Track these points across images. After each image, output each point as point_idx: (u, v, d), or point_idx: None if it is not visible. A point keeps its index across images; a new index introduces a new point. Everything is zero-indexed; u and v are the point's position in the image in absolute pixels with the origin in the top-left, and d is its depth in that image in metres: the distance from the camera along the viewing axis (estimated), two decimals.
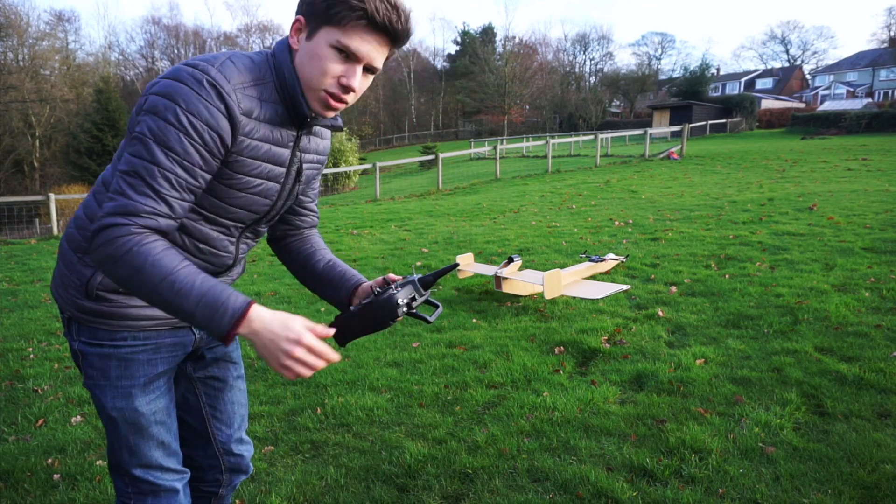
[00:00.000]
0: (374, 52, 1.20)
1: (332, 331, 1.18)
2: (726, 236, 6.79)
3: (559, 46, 66.30)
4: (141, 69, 58.64)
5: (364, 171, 21.66)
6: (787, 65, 65.70)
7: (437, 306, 1.43)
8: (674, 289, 4.93)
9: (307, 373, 1.12)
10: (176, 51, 59.54)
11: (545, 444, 2.65)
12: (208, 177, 1.19)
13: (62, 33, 48.33)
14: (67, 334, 1.37)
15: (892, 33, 56.58)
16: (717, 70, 64.78)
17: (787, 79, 60.47)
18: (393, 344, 4.01)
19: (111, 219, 1.09)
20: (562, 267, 5.47)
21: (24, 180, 36.66)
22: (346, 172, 21.65)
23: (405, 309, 1.35)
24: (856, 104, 39.17)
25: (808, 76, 62.60)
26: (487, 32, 61.50)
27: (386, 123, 59.58)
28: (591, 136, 24.80)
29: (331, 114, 1.27)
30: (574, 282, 4.72)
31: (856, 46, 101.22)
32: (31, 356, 4.15)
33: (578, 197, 11.70)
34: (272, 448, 2.74)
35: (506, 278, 4.78)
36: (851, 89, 51.04)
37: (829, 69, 58.41)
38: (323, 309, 4.93)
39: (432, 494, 2.34)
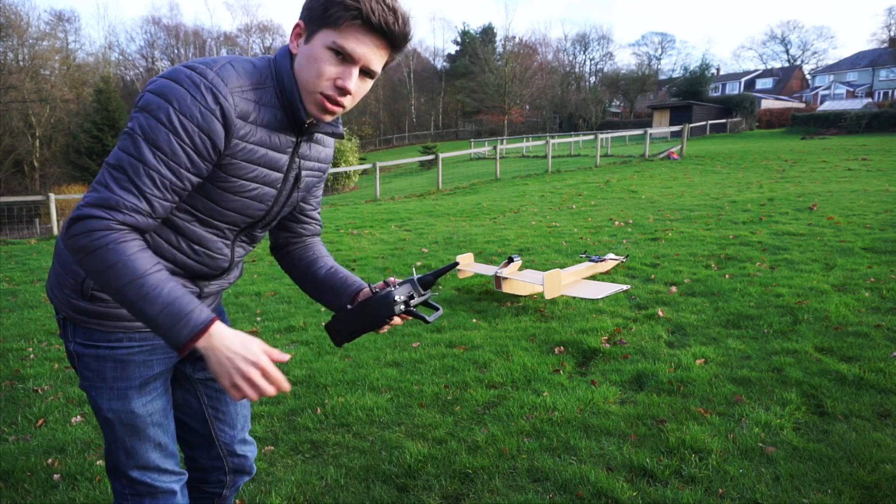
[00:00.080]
0: (371, 53, 1.19)
1: (288, 357, 1.17)
2: (726, 236, 6.79)
3: (559, 46, 66.40)
4: (141, 69, 58.64)
5: (364, 171, 21.64)
6: (787, 65, 65.70)
7: (437, 309, 1.42)
8: (674, 289, 4.93)
9: (255, 396, 1.12)
10: (176, 51, 59.57)
11: (545, 444, 2.65)
12: (195, 179, 1.19)
13: (62, 33, 48.39)
14: (63, 335, 1.37)
15: (892, 33, 56.63)
16: (717, 70, 64.80)
17: (787, 79, 60.47)
18: (393, 344, 4.01)
19: (91, 209, 1.10)
20: (562, 267, 5.47)
21: (24, 180, 36.66)
22: (346, 172, 21.65)
23: (402, 307, 1.33)
24: (856, 104, 39.17)
25: (808, 76, 62.60)
26: (487, 32, 61.50)
27: (386, 123, 59.58)
28: (591, 136, 24.80)
29: (328, 117, 1.25)
30: (574, 282, 4.72)
31: (856, 46, 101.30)
32: (31, 356, 4.15)
33: (578, 197, 11.70)
34: (272, 448, 2.74)
35: (506, 278, 4.78)
36: (851, 89, 51.04)
37: (829, 69, 58.42)
38: (323, 309, 4.94)
39: (432, 494, 2.34)
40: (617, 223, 8.20)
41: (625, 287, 4.54)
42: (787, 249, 6.01)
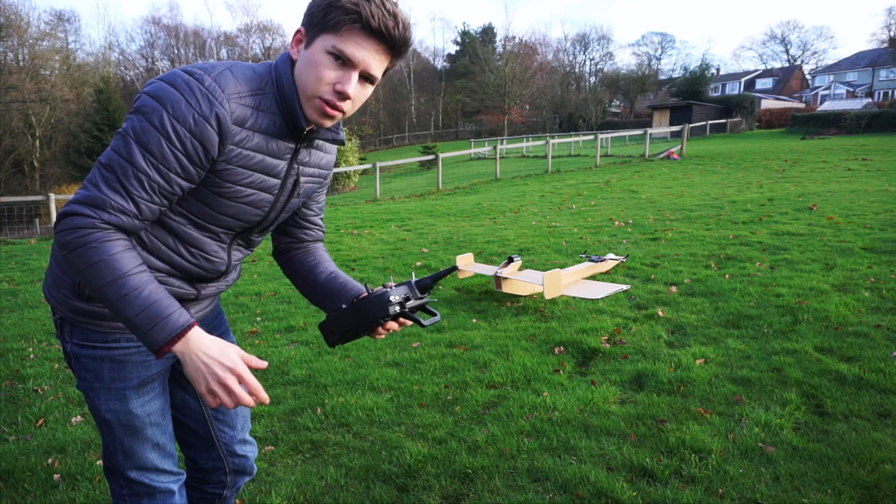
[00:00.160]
0: (370, 58, 1.18)
1: (265, 364, 1.17)
2: (726, 236, 6.79)
3: (559, 46, 66.47)
4: (141, 69, 58.66)
5: (364, 171, 21.66)
6: (787, 65, 65.70)
7: (434, 314, 1.39)
8: (674, 289, 4.93)
9: (231, 403, 1.12)
10: (176, 51, 59.60)
11: (545, 444, 2.65)
12: (186, 184, 1.19)
13: (62, 33, 48.40)
14: (60, 336, 1.36)
15: (891, 33, 56.62)
16: (717, 70, 64.82)
17: (787, 79, 60.47)
18: (393, 344, 4.01)
19: (78, 207, 1.11)
20: (562, 267, 5.47)
21: (24, 180, 36.66)
22: (346, 172, 21.67)
23: (397, 308, 1.31)
24: (856, 104, 39.17)
25: (807, 76, 62.60)
26: (487, 32, 61.53)
27: (386, 123, 59.58)
28: (591, 136, 24.79)
29: (328, 123, 1.24)
30: (574, 282, 4.72)
31: (855, 46, 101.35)
32: (32, 356, 4.15)
33: (578, 197, 11.70)
34: (272, 448, 2.74)
35: (506, 278, 4.78)
36: (851, 89, 51.03)
37: (829, 69, 58.41)
38: None
39: (432, 494, 2.34)
40: (617, 223, 8.20)
41: (625, 287, 4.54)
42: (787, 249, 6.01)
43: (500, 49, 59.71)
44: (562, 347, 3.80)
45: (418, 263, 6.52)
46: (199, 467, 1.61)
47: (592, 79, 64.24)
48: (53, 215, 11.64)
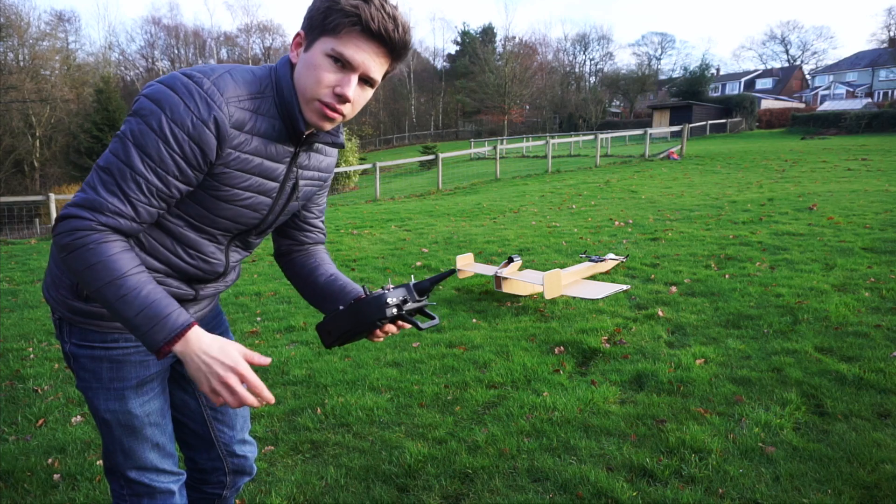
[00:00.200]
0: (370, 61, 1.18)
1: (268, 360, 1.16)
2: (726, 236, 6.79)
3: (559, 46, 66.48)
4: (141, 69, 58.70)
5: (364, 171, 21.66)
6: (786, 65, 65.70)
7: (432, 318, 1.37)
8: (674, 289, 4.93)
9: (234, 403, 1.11)
10: (176, 51, 59.63)
11: (545, 444, 2.65)
12: (183, 187, 1.19)
13: (62, 33, 48.42)
14: (59, 336, 1.36)
15: (891, 33, 56.61)
16: (717, 70, 64.82)
17: (787, 79, 60.47)
18: (393, 344, 4.01)
19: (76, 209, 1.11)
20: (562, 267, 5.47)
21: (24, 180, 36.66)
22: (346, 172, 21.67)
23: (395, 310, 1.30)
24: (855, 104, 39.17)
25: (807, 76, 62.60)
26: (487, 32, 61.53)
27: (386, 123, 59.58)
28: (591, 136, 24.79)
29: (327, 125, 1.24)
30: (574, 282, 4.72)
31: (855, 46, 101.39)
32: (32, 356, 4.15)
33: (578, 197, 11.70)
34: (272, 448, 2.74)
35: (506, 278, 4.78)
36: (851, 89, 51.04)
37: (829, 69, 58.42)
38: None
39: (432, 494, 2.34)
40: (617, 223, 8.20)
41: (625, 287, 4.54)
42: (787, 249, 6.01)
43: (500, 49, 59.73)
44: (562, 347, 3.80)
45: (418, 263, 6.52)
46: (198, 467, 1.61)
47: (592, 79, 64.28)
48: (53, 215, 11.64)
